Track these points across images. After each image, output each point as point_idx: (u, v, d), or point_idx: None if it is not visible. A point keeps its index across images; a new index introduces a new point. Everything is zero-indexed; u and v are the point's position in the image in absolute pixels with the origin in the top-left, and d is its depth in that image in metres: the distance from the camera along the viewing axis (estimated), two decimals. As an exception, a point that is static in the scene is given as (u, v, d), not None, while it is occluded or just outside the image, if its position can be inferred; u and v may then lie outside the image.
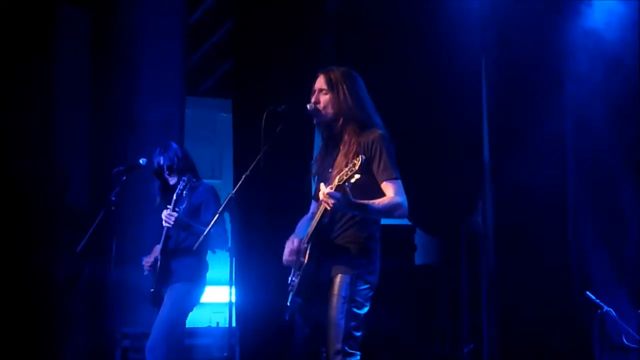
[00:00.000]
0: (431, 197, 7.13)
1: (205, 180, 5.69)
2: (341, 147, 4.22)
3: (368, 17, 7.23)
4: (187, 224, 5.31)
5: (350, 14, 7.39)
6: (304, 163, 6.77)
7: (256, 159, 4.22)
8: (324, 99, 4.25)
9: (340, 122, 4.23)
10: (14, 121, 6.49)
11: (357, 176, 3.84)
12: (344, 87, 4.24)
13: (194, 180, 5.51)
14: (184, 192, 5.38)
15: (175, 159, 5.51)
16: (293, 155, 6.33)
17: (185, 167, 5.53)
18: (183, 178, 5.40)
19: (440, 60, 7.14)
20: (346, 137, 4.21)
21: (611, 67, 7.19)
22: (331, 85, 4.25)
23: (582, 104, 7.32)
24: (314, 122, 4.29)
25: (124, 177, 5.32)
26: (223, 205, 4.36)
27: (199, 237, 5.02)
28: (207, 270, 5.52)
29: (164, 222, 5.30)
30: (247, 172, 4.24)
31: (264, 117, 4.20)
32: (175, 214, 5.27)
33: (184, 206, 5.45)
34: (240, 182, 4.25)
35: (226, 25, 8.61)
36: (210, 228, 4.36)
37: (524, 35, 7.21)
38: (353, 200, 3.95)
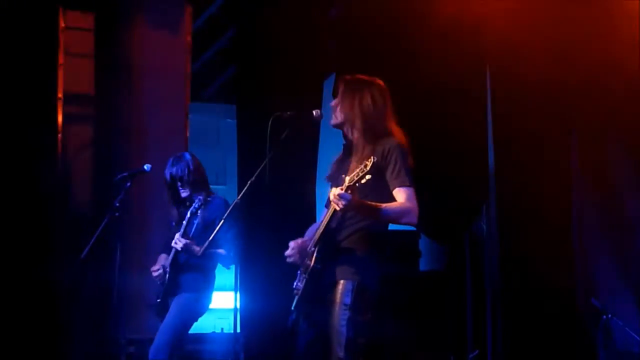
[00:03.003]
0: (436, 204, 7.11)
1: (213, 188, 5.63)
2: (354, 154, 4.22)
3: (372, 23, 7.22)
4: (197, 253, 5.28)
5: (355, 19, 7.38)
6: (309, 169, 6.79)
7: (262, 165, 4.22)
8: (335, 104, 4.27)
9: (349, 129, 4.25)
10: (17, 128, 6.49)
11: (367, 177, 3.84)
12: (355, 95, 4.24)
13: (207, 194, 5.46)
14: (198, 211, 5.36)
15: (187, 170, 5.44)
16: (298, 161, 6.33)
17: (197, 180, 5.46)
18: (199, 197, 5.33)
19: (445, 67, 7.13)
20: (360, 144, 4.20)
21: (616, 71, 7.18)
22: (342, 93, 4.27)
23: (587, 109, 7.31)
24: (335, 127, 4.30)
25: (128, 183, 5.30)
26: (228, 211, 4.36)
27: (210, 255, 5.05)
28: (214, 282, 5.49)
29: (173, 243, 5.31)
30: (253, 178, 4.24)
31: (270, 122, 4.20)
32: (184, 242, 5.27)
33: (197, 221, 5.42)
34: (245, 188, 4.25)
35: (230, 31, 8.62)
36: (219, 236, 4.35)
37: (529, 41, 7.20)
38: (362, 201, 3.96)
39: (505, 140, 7.38)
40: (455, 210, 7.36)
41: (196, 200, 5.34)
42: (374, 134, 4.18)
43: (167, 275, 5.34)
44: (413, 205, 4.08)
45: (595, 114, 7.31)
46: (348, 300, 4.05)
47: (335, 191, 3.91)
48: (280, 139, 4.28)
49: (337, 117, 4.27)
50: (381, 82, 4.34)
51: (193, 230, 5.42)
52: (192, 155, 5.58)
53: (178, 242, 5.28)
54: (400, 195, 4.08)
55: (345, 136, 4.34)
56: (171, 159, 5.53)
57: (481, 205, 7.53)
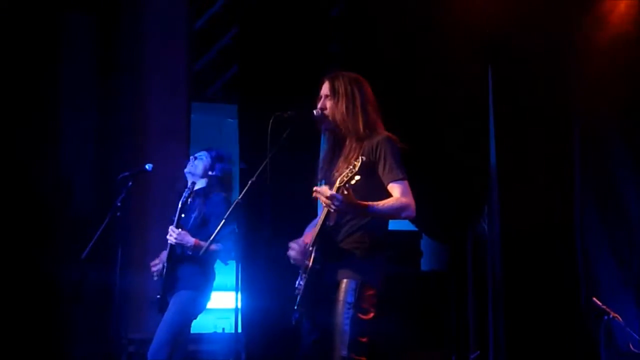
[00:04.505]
0: (437, 203, 7.11)
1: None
2: (343, 152, 4.22)
3: (374, 23, 7.21)
4: (189, 246, 5.31)
5: (357, 19, 7.37)
6: (311, 168, 6.77)
7: (263, 165, 4.22)
8: (330, 104, 4.26)
9: (344, 127, 4.23)
10: (19, 128, 6.49)
11: (357, 177, 3.84)
12: (349, 93, 4.23)
13: (207, 188, 5.49)
14: (189, 200, 5.37)
15: (209, 165, 5.56)
16: (300, 160, 6.30)
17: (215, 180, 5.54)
18: (188, 187, 5.38)
19: (447, 66, 7.13)
20: (348, 142, 4.22)
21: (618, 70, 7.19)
22: (335, 92, 4.25)
23: (590, 110, 7.31)
24: (321, 127, 4.29)
25: (130, 183, 5.30)
26: (229, 211, 4.35)
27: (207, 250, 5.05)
28: (213, 278, 5.48)
29: (168, 236, 5.32)
30: (254, 178, 4.23)
31: (271, 122, 4.20)
32: (177, 232, 5.29)
33: (194, 215, 5.43)
34: (246, 188, 4.24)
35: (232, 30, 8.61)
36: (217, 233, 4.35)
37: (531, 40, 7.20)
38: (355, 201, 3.94)
39: (506, 140, 7.38)
40: (457, 209, 7.36)
41: (185, 191, 5.36)
42: (363, 131, 4.18)
43: (165, 270, 5.34)
44: (409, 199, 4.07)
45: (597, 112, 7.32)
46: (351, 299, 4.05)
47: (326, 193, 3.90)
48: (281, 138, 4.27)
49: (333, 117, 4.26)
50: (360, 78, 4.32)
51: (190, 223, 5.42)
52: (226, 158, 5.70)
53: (171, 233, 5.30)
54: (395, 190, 4.07)
55: (329, 135, 4.33)
56: (206, 152, 5.66)
57: (483, 205, 7.53)
